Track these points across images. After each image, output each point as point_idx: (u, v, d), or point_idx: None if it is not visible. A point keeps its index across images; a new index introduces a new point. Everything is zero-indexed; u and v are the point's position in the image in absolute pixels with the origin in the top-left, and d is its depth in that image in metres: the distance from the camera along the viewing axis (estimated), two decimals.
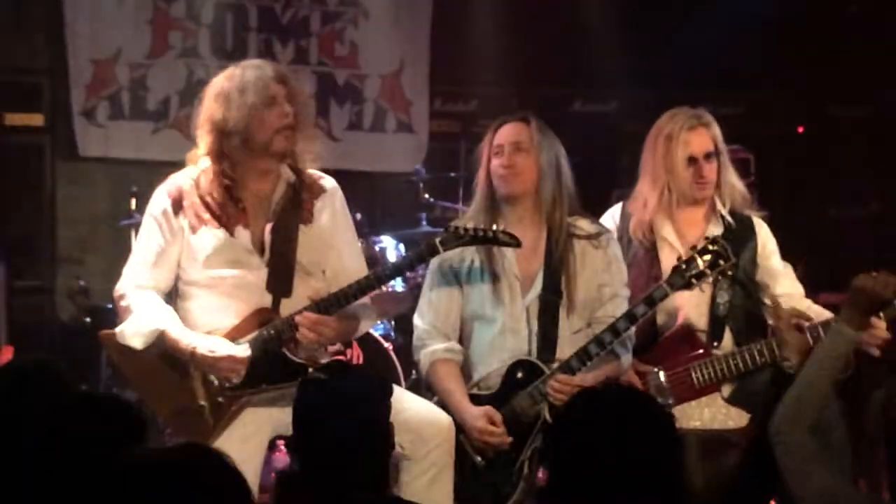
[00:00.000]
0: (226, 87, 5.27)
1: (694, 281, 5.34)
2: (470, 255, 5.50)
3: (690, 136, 5.71)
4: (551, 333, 5.45)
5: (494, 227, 5.26)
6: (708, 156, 5.72)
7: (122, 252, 5.53)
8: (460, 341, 5.59)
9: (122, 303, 5.32)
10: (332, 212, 5.42)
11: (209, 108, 5.27)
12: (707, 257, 5.33)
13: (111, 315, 5.53)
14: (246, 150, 5.26)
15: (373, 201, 9.55)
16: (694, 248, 5.37)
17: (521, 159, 5.46)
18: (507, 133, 5.50)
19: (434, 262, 5.54)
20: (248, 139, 5.24)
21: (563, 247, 5.48)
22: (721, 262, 5.34)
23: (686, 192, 5.72)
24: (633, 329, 5.46)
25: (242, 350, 5.17)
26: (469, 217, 5.54)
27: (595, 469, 3.10)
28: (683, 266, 5.34)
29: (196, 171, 5.36)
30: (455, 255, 5.46)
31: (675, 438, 3.23)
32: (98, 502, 2.71)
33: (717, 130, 5.79)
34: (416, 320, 5.57)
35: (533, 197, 5.49)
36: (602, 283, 5.49)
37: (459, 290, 5.53)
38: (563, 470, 3.17)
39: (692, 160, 5.70)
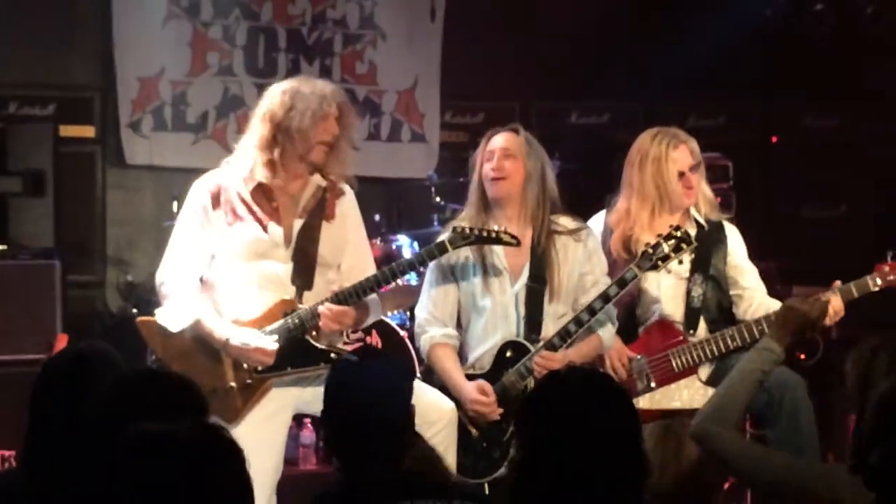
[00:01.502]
0: (300, 87, 5.36)
1: (660, 263, 5.49)
2: (464, 252, 5.57)
3: (677, 154, 5.79)
4: (537, 317, 5.59)
5: (496, 227, 5.34)
6: (691, 168, 5.81)
7: (165, 250, 5.56)
8: (458, 330, 5.69)
9: (163, 289, 5.39)
10: (349, 212, 5.52)
11: (274, 103, 5.32)
12: (671, 242, 5.47)
13: (155, 306, 5.57)
14: (292, 147, 5.31)
15: (389, 204, 9.57)
16: (660, 235, 5.50)
17: (510, 164, 5.59)
18: (498, 141, 5.60)
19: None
20: (300, 140, 5.31)
21: (546, 241, 5.58)
22: (683, 245, 5.49)
23: (678, 203, 5.80)
24: (611, 308, 5.56)
25: (271, 342, 5.23)
26: (464, 217, 5.65)
27: (561, 442, 3.07)
28: (650, 250, 5.49)
29: (233, 169, 5.39)
30: (451, 254, 5.53)
31: (633, 411, 3.21)
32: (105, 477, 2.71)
33: (694, 144, 5.88)
34: (417, 311, 5.68)
35: (519, 198, 5.61)
36: (584, 273, 5.64)
37: (455, 283, 5.66)
38: (533, 446, 3.16)
39: (681, 174, 5.78)
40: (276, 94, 5.37)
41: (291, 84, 5.40)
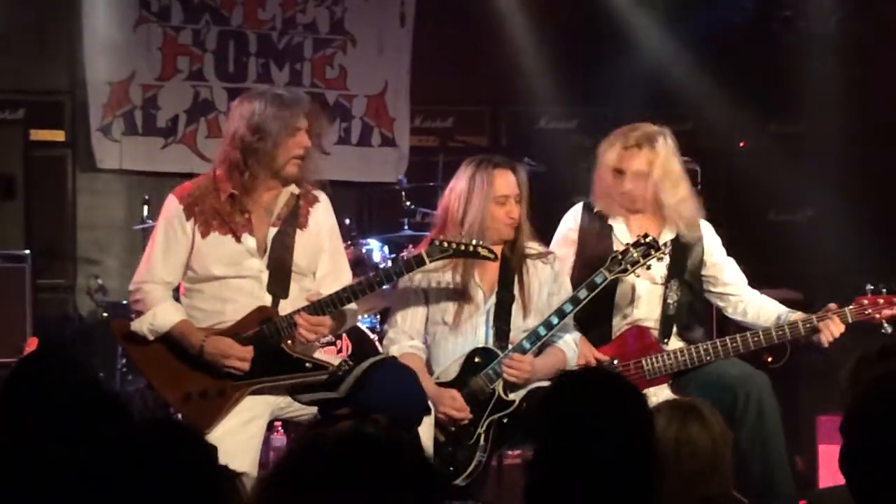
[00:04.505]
0: (267, 107, 5.26)
1: (629, 267, 5.57)
2: (439, 269, 5.55)
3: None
4: (504, 328, 5.62)
5: (474, 241, 5.32)
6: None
7: (135, 254, 5.55)
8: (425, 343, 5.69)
9: (137, 296, 5.35)
10: (323, 219, 5.48)
11: (240, 125, 5.26)
12: (640, 249, 5.57)
13: (126, 310, 5.54)
14: (263, 168, 5.25)
15: (360, 208, 9.55)
16: (629, 243, 5.58)
17: (519, 209, 5.62)
18: (509, 184, 5.63)
19: (404, 276, 5.58)
20: (270, 161, 5.24)
21: (519, 261, 5.64)
22: (652, 251, 5.58)
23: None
24: (575, 333, 5.67)
25: (247, 351, 5.17)
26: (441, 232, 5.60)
27: (574, 442, 3.04)
28: (620, 256, 5.57)
29: (207, 180, 5.36)
30: (424, 269, 5.51)
31: (646, 413, 3.20)
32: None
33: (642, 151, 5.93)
34: (386, 326, 5.69)
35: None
36: (550, 293, 5.68)
37: (425, 298, 5.65)
38: (546, 445, 3.13)
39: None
40: (244, 115, 5.28)
41: (258, 103, 5.28)
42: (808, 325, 5.69)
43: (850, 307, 5.68)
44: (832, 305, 5.70)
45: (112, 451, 2.62)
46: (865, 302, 5.69)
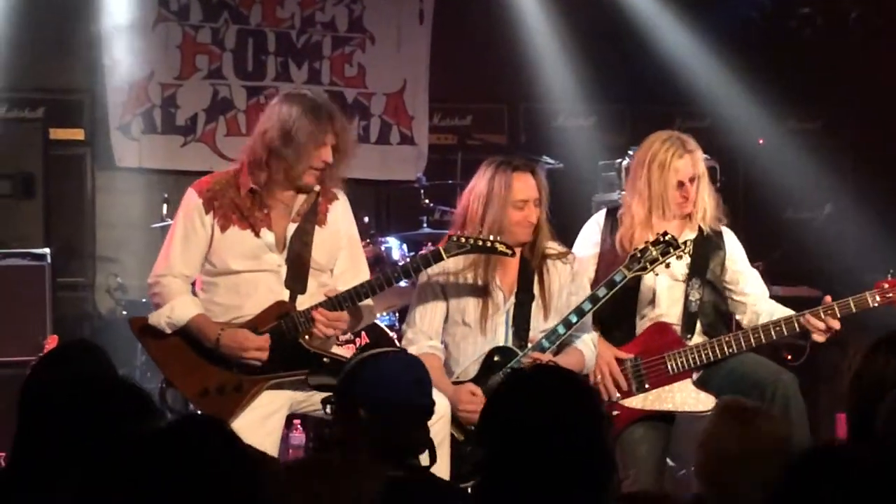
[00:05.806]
0: (301, 116, 5.25)
1: (648, 265, 5.55)
2: (461, 269, 5.54)
3: (680, 164, 5.74)
4: (524, 327, 5.61)
5: (492, 237, 5.30)
6: (691, 179, 5.76)
7: (154, 252, 5.55)
8: (443, 344, 5.68)
9: (156, 289, 5.37)
10: (342, 217, 5.49)
11: (273, 126, 5.26)
12: (659, 247, 5.55)
13: (145, 308, 5.54)
14: (281, 172, 5.26)
15: (379, 206, 9.55)
16: (647, 241, 5.56)
17: (537, 213, 5.58)
18: (528, 188, 5.58)
19: (423, 277, 5.57)
20: (288, 168, 5.25)
21: (539, 261, 5.62)
22: (671, 249, 5.56)
23: (673, 210, 5.75)
24: (594, 334, 5.67)
25: (264, 341, 5.18)
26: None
27: (527, 444, 2.99)
28: (639, 254, 5.56)
29: (227, 175, 5.37)
30: (444, 270, 5.50)
31: (596, 410, 3.15)
32: (107, 473, 2.64)
33: (700, 154, 5.83)
34: (405, 325, 5.67)
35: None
36: (570, 293, 5.65)
37: (444, 299, 5.62)
38: (496, 443, 3.08)
39: (680, 184, 5.74)
40: (281, 116, 5.29)
41: (296, 109, 5.29)
42: (828, 313, 5.66)
43: (871, 291, 5.66)
44: (827, 298, 5.69)
45: (147, 448, 2.61)
46: (886, 286, 5.67)
